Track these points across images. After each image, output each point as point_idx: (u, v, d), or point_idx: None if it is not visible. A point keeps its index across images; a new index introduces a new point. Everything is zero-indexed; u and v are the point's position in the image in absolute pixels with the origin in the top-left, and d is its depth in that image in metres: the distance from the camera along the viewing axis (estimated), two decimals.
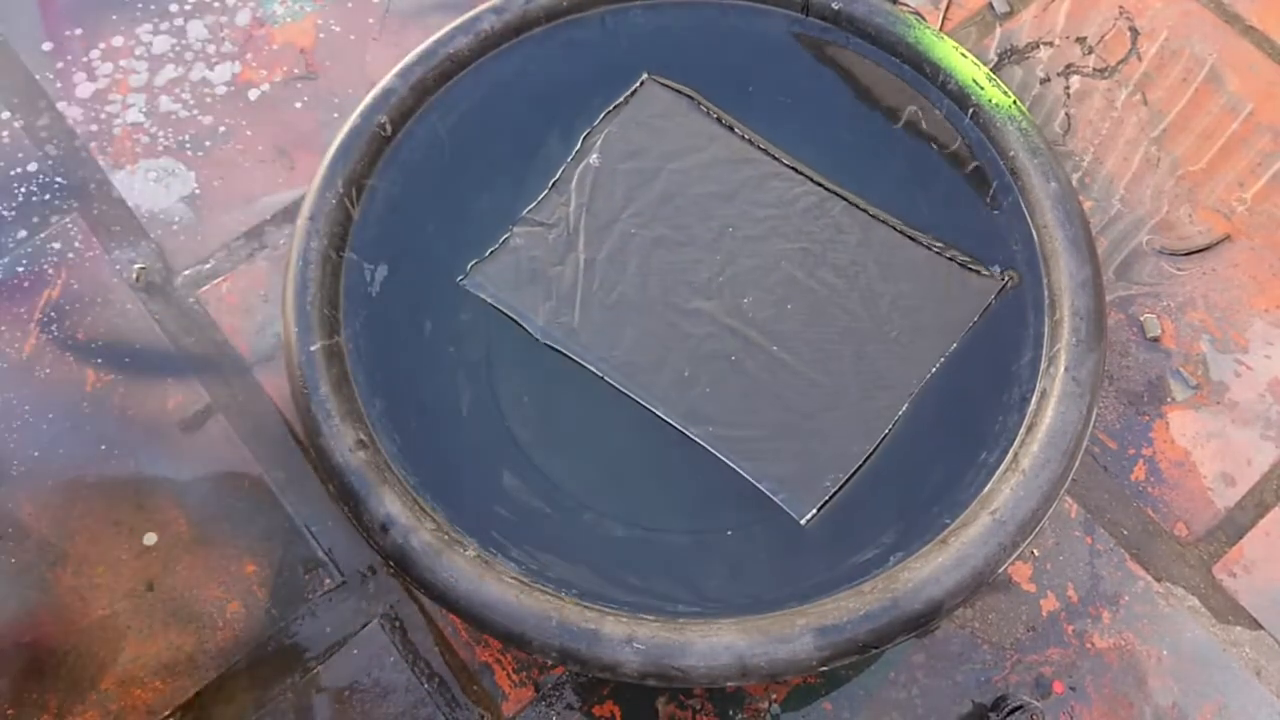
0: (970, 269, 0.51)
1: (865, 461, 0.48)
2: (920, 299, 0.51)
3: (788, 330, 0.51)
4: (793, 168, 0.54)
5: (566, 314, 0.51)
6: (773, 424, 0.49)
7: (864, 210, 0.53)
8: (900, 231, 0.53)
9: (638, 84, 0.55)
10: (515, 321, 0.51)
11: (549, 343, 0.50)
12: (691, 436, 0.49)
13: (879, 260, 0.52)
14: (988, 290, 0.51)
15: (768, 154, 0.54)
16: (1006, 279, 0.50)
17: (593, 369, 0.50)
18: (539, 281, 0.51)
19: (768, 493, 0.47)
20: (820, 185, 0.54)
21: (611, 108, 0.54)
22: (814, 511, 0.47)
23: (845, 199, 0.53)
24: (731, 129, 0.55)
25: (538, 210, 0.52)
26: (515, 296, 0.51)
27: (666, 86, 0.55)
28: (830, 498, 0.47)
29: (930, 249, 0.52)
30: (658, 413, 0.49)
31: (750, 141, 0.55)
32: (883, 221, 0.53)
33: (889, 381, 0.50)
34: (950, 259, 0.52)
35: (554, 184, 0.53)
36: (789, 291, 0.52)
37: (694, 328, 0.51)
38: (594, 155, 0.53)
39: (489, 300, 0.51)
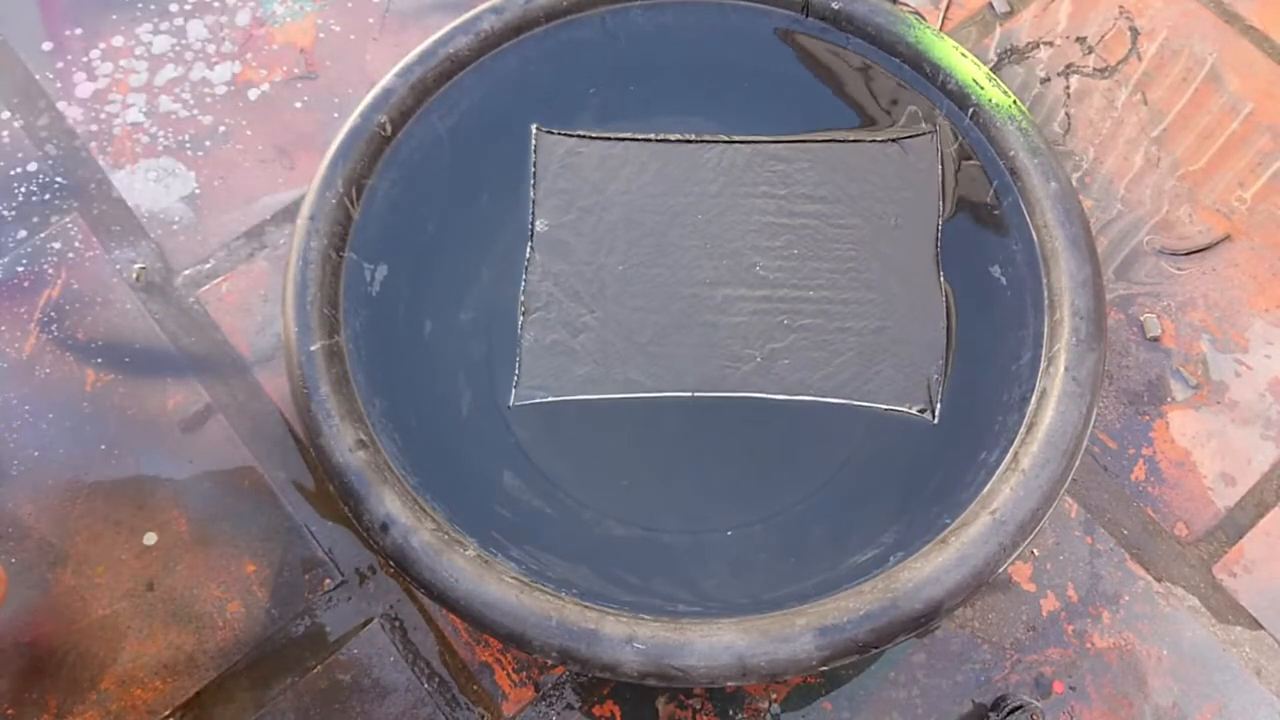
0: (909, 138, 0.53)
1: (950, 340, 0.50)
2: (890, 183, 0.54)
3: (810, 270, 0.52)
4: (707, 140, 0.55)
5: (619, 370, 0.51)
6: (858, 354, 0.50)
7: (793, 140, 0.55)
8: (835, 141, 0.54)
9: (532, 139, 0.55)
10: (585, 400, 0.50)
11: (624, 395, 0.50)
12: (807, 400, 0.50)
13: (836, 170, 0.54)
14: (931, 144, 0.53)
15: (680, 140, 0.55)
16: (937, 126, 0.53)
17: (678, 395, 0.50)
18: (576, 359, 0.51)
19: (899, 409, 0.49)
20: (742, 141, 0.55)
21: (532, 176, 0.54)
22: (938, 406, 0.49)
23: (770, 140, 0.55)
24: (633, 138, 0.55)
25: (528, 300, 0.52)
26: (567, 383, 0.50)
27: (554, 133, 0.55)
28: (943, 388, 0.49)
29: (867, 141, 0.54)
30: (762, 396, 0.50)
31: (656, 140, 0.55)
32: (814, 141, 0.54)
33: (916, 262, 0.52)
34: (889, 140, 0.54)
35: (526, 269, 0.52)
36: (786, 237, 0.53)
37: (734, 316, 0.51)
38: (539, 223, 0.52)
39: (550, 400, 0.50)
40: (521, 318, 0.51)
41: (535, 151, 0.54)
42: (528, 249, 0.52)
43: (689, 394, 0.50)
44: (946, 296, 0.51)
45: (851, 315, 0.51)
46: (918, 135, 0.53)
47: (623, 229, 0.53)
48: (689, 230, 0.53)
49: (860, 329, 0.51)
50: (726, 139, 0.55)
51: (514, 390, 0.50)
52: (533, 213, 0.53)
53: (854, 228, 0.53)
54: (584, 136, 0.54)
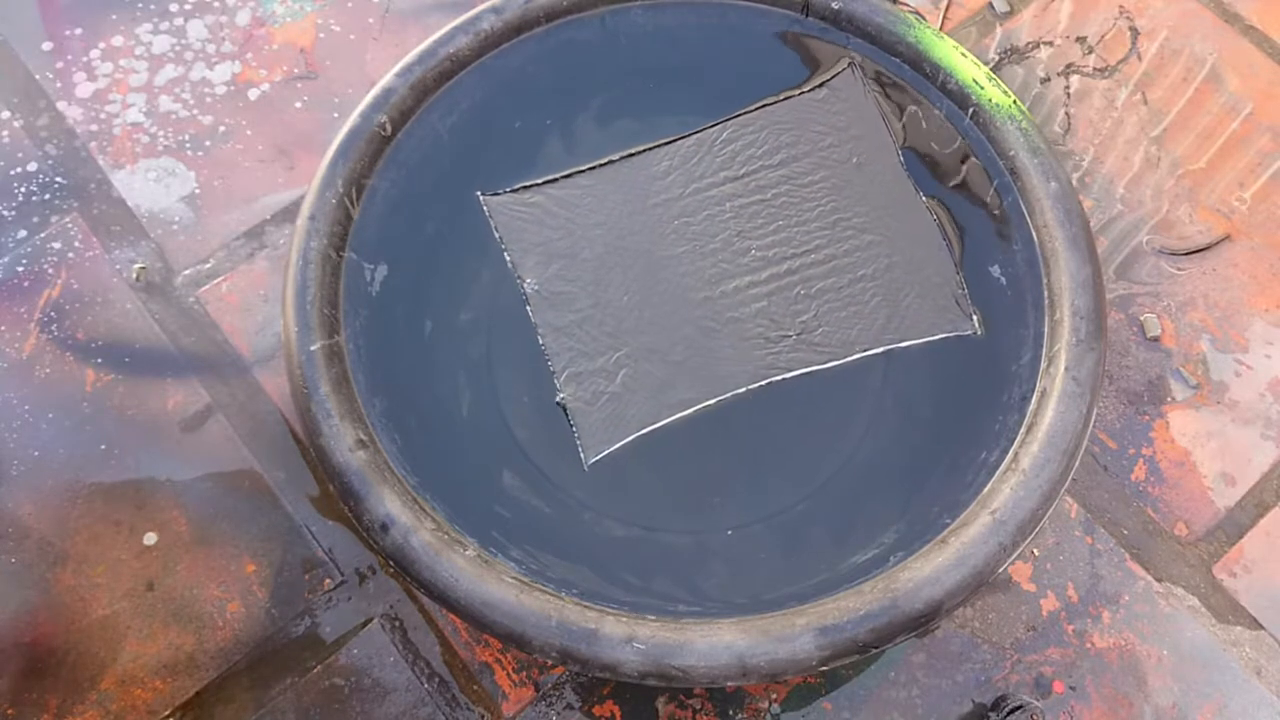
0: (833, 78, 0.54)
1: (957, 252, 0.51)
2: (836, 125, 0.54)
3: (801, 235, 0.53)
4: (651, 147, 0.55)
5: (669, 394, 0.50)
6: (883, 298, 0.51)
7: (731, 118, 0.55)
8: (767, 105, 0.55)
9: (484, 209, 0.54)
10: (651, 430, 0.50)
11: (685, 413, 0.50)
12: (855, 358, 0.50)
13: (781, 132, 0.55)
14: (855, 76, 0.54)
15: (624, 157, 0.55)
16: (849, 60, 0.54)
17: (736, 392, 0.50)
18: (625, 401, 0.51)
19: (941, 336, 0.50)
20: (682, 137, 0.55)
21: (500, 242, 0.53)
22: (975, 317, 0.50)
23: (710, 126, 0.55)
24: (578, 171, 0.55)
25: (553, 362, 0.51)
26: (628, 425, 0.50)
27: (500, 193, 0.54)
28: (968, 295, 0.50)
29: (797, 95, 0.55)
30: (817, 369, 0.50)
31: (601, 165, 0.55)
32: (749, 112, 0.55)
33: (893, 190, 0.53)
34: (816, 86, 0.55)
35: (539, 335, 0.51)
36: (765, 213, 0.53)
37: (752, 304, 0.52)
38: (528, 284, 0.52)
39: (621, 445, 0.50)
40: (556, 382, 0.51)
41: (491, 217, 0.53)
42: (528, 311, 0.52)
43: (744, 390, 0.50)
44: (933, 211, 0.52)
45: (859, 263, 0.52)
46: (840, 73, 0.54)
47: (611, 260, 0.53)
48: (672, 239, 0.53)
49: (873, 272, 0.51)
50: (668, 140, 0.55)
51: (582, 454, 0.49)
52: (517, 276, 0.52)
53: (821, 180, 0.53)
54: (528, 186, 0.54)
